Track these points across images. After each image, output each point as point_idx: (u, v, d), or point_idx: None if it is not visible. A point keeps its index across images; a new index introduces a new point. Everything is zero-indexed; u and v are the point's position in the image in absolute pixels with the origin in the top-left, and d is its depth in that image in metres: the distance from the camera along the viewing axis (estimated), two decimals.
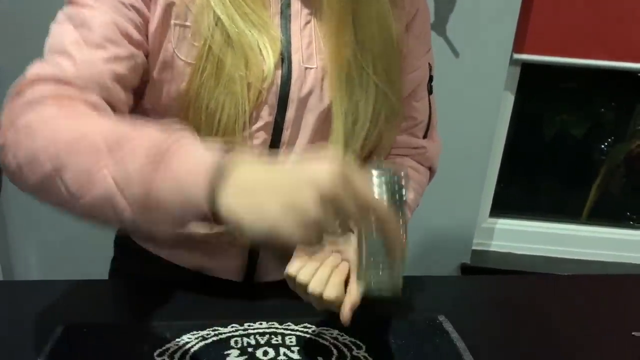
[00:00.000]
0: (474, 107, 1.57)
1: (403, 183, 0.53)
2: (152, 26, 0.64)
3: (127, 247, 0.85)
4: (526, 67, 1.64)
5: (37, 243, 1.67)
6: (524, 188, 1.97)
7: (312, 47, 0.69)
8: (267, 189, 0.43)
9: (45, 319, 0.69)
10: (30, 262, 1.68)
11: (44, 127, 0.52)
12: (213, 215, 0.45)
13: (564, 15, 1.52)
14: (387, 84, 0.71)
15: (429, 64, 0.80)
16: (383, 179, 0.52)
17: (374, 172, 0.52)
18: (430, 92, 0.81)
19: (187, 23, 0.64)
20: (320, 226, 0.42)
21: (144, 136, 0.49)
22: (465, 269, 1.75)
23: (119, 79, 0.61)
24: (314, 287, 0.62)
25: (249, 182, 0.44)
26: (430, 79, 0.80)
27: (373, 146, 0.75)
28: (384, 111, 0.71)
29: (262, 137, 0.69)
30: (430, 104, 0.82)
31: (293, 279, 0.64)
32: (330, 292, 0.61)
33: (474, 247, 1.78)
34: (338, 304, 0.61)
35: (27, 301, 0.73)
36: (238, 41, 0.63)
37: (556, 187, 1.97)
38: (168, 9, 0.64)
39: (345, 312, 0.60)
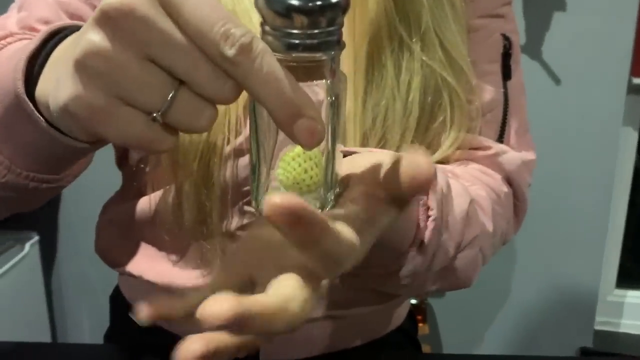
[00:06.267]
0: (584, 148, 1.41)
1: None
2: None
3: (122, 314, 0.73)
4: None
5: (89, 307, 1.69)
6: None
7: None
8: (69, 44, 0.35)
9: None
10: (83, 326, 1.70)
11: None
12: (34, 105, 0.37)
13: None
14: (445, 64, 0.54)
15: (504, 35, 0.61)
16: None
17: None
18: (507, 76, 0.61)
19: None
20: (108, 70, 0.27)
21: None
22: (586, 354, 1.55)
23: None
24: None
25: (67, 42, 0.36)
26: (507, 56, 0.61)
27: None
28: (438, 102, 0.55)
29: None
30: (507, 92, 0.61)
31: None
32: None
33: (597, 327, 1.57)
34: None
35: None
36: (233, 11, 0.52)
37: None
38: None
39: None
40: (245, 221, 0.58)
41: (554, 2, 1.30)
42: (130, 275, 0.64)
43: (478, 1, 0.60)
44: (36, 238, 1.44)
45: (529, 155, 0.63)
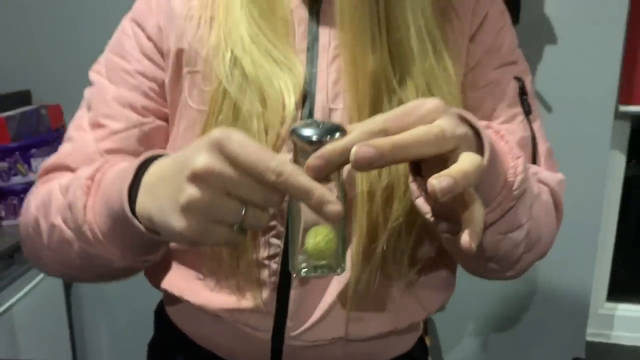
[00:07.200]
0: (576, 171, 1.40)
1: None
2: (167, 80, 0.65)
3: (164, 328, 0.79)
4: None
5: (109, 326, 1.68)
6: None
7: (339, 85, 0.61)
8: (160, 180, 0.45)
9: None
10: (103, 343, 1.70)
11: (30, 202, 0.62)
12: (138, 220, 0.48)
13: None
14: None
15: (517, 77, 0.65)
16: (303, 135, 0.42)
17: (294, 129, 0.43)
18: (527, 111, 0.65)
19: (197, 68, 0.63)
20: (205, 210, 0.41)
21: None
22: None
23: (111, 153, 0.65)
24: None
25: (153, 175, 0.47)
26: (523, 93, 0.65)
27: None
28: None
29: None
30: (530, 125, 0.65)
31: None
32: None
33: (588, 338, 1.57)
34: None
35: None
36: (256, 76, 0.59)
37: None
38: (179, 57, 0.64)
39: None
40: (271, 252, 0.62)
41: (546, 35, 1.32)
42: (172, 295, 0.69)
43: (493, 55, 0.64)
44: None
45: (560, 175, 0.66)
